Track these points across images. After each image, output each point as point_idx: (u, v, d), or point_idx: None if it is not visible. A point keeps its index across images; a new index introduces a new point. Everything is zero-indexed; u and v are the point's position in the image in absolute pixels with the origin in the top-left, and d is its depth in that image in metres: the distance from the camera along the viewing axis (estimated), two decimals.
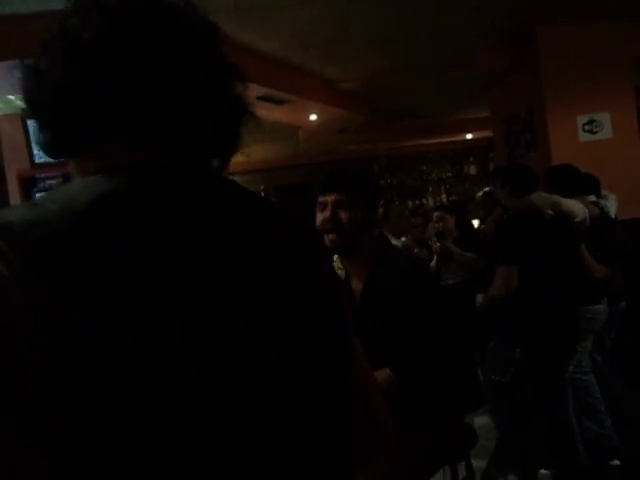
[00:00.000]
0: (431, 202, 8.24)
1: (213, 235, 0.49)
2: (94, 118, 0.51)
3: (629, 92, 4.34)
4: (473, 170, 8.58)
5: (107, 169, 0.49)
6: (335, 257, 1.62)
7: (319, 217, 1.54)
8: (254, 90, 3.82)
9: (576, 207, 2.51)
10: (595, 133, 4.29)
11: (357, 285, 1.60)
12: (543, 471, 2.47)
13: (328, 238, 1.51)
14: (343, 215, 1.50)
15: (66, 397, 0.38)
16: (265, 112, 4.48)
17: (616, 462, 2.48)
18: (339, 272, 1.66)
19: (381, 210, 3.50)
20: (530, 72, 4.36)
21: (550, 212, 2.39)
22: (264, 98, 3.98)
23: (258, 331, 0.49)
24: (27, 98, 0.53)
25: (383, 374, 1.45)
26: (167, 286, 0.43)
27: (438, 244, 3.65)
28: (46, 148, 0.55)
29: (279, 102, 4.15)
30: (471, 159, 8.57)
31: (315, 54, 3.99)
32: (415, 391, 1.48)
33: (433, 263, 3.71)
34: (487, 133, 6.53)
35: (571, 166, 2.82)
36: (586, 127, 4.29)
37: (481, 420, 3.42)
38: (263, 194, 8.16)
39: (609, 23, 4.17)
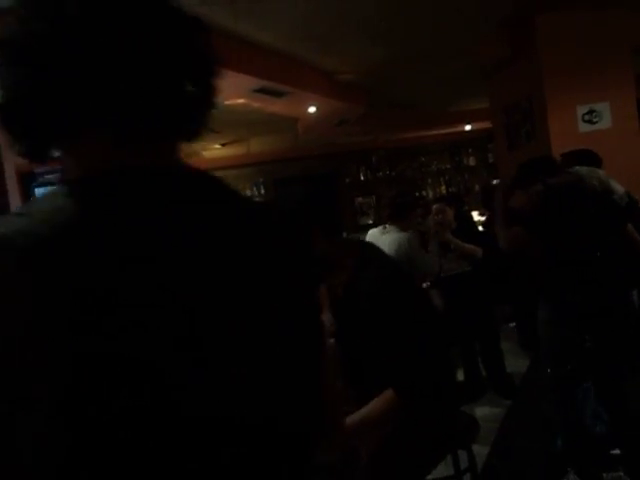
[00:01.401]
0: (430, 194, 8.23)
1: (187, 239, 0.52)
2: (68, 114, 0.52)
3: (629, 82, 4.32)
4: (472, 161, 8.57)
5: (88, 170, 0.53)
6: None
7: None
8: (252, 82, 3.81)
9: (616, 185, 2.53)
10: (595, 123, 4.27)
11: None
12: None
13: None
14: None
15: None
16: (263, 104, 4.46)
17: (616, 451, 2.49)
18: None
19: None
20: (530, 62, 4.33)
21: (596, 184, 2.36)
22: (262, 90, 3.96)
23: (230, 329, 0.52)
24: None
25: (387, 397, 1.41)
26: (136, 286, 0.47)
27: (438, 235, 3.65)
28: (28, 153, 0.56)
29: (277, 94, 4.13)
30: (470, 150, 8.55)
31: (313, 46, 3.97)
32: (422, 404, 1.44)
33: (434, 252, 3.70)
34: (486, 124, 6.51)
35: (592, 151, 2.83)
36: (586, 117, 4.27)
37: (482, 410, 3.44)
38: (263, 187, 8.14)
39: (609, 13, 4.15)
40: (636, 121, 4.31)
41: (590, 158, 2.86)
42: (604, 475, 2.35)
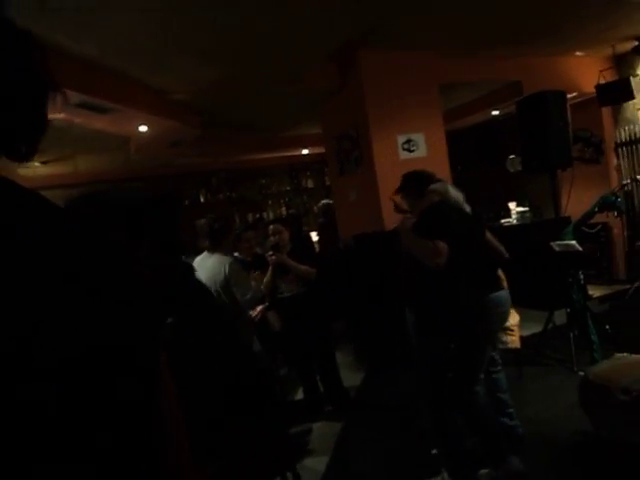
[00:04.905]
0: (271, 215, 8.36)
1: None
2: None
3: (438, 116, 4.87)
4: (310, 184, 8.92)
5: None
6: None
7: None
8: (71, 96, 3.50)
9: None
10: (412, 151, 4.73)
11: None
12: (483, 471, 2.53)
13: None
14: None
15: None
16: (86, 121, 4.13)
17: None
18: None
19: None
20: (355, 93, 4.66)
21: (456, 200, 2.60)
22: (83, 105, 3.66)
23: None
24: None
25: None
26: None
27: (274, 257, 3.69)
28: None
29: (101, 110, 3.85)
30: (308, 173, 8.90)
31: (140, 62, 3.78)
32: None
33: (268, 277, 3.73)
34: (322, 149, 6.84)
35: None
36: (405, 146, 4.71)
37: (321, 425, 3.51)
38: None
39: (419, 54, 4.65)
40: (445, 150, 4.87)
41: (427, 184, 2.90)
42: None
